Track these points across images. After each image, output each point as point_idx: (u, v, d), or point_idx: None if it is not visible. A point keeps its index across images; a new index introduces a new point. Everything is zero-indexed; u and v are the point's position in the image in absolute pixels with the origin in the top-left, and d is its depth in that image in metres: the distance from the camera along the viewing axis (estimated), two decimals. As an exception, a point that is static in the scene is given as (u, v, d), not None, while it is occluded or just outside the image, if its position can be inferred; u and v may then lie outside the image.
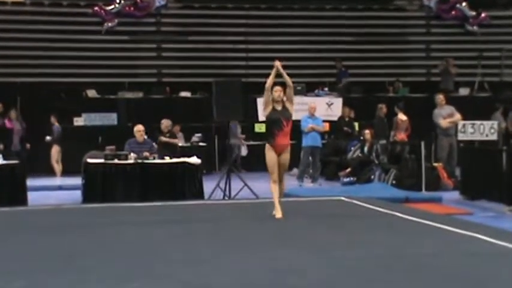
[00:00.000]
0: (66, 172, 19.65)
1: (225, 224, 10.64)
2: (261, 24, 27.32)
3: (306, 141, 17.71)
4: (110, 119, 23.06)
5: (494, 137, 16.43)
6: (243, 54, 26.95)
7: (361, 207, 12.35)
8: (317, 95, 23.63)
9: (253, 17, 27.42)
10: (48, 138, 20.08)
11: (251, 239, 9.29)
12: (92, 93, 23.91)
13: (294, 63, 26.13)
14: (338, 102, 23.25)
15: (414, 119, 19.00)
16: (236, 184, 14.76)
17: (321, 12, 27.82)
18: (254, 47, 26.96)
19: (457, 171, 17.05)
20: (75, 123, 22.69)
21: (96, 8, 26.20)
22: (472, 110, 19.52)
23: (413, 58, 28.38)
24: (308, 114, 18.04)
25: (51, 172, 20.14)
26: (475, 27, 28.20)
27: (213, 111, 15.00)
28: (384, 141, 18.82)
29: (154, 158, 14.32)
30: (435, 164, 17.41)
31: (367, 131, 19.31)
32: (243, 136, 22.73)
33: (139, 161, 14.07)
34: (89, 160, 14.30)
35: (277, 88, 11.07)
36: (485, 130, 16.20)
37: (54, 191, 17.13)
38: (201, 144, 22.03)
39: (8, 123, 20.49)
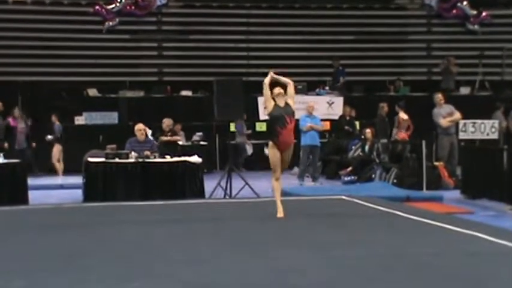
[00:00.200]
0: (67, 171, 19.65)
1: (225, 224, 10.63)
2: (262, 23, 27.34)
3: (305, 140, 17.69)
4: (111, 118, 23.07)
5: (495, 136, 16.43)
6: (244, 53, 26.96)
7: (362, 206, 12.33)
8: (318, 94, 23.64)
9: (254, 16, 27.44)
10: (49, 137, 20.09)
11: (252, 238, 9.28)
12: (92, 92, 23.92)
13: (295, 62, 26.20)
14: (339, 101, 23.25)
15: (415, 118, 19.02)
16: (237, 183, 14.75)
17: (322, 11, 27.84)
18: (255, 45, 26.98)
19: (458, 170, 17.05)
20: (76, 122, 22.72)
21: (97, 7, 26.24)
22: (473, 109, 19.52)
23: (414, 57, 28.40)
24: (306, 113, 18.01)
25: (52, 171, 20.14)
26: (476, 26, 28.21)
27: (214, 110, 14.98)
28: (384, 140, 18.82)
29: (155, 157, 14.31)
30: (436, 163, 17.40)
31: (368, 130, 19.31)
32: (249, 131, 22.73)
33: (140, 160, 14.06)
34: (90, 159, 14.30)
35: (278, 88, 11.00)
36: (486, 129, 16.19)
37: (55, 190, 17.14)
38: (202, 143, 22.03)
39: (12, 122, 20.50)
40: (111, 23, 26.33)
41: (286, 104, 10.86)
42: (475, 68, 26.15)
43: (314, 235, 9.44)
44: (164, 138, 17.28)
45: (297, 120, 17.56)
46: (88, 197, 13.79)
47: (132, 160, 14.05)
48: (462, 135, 16.43)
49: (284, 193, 12.63)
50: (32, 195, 14.30)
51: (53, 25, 25.75)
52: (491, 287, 6.54)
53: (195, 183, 14.17)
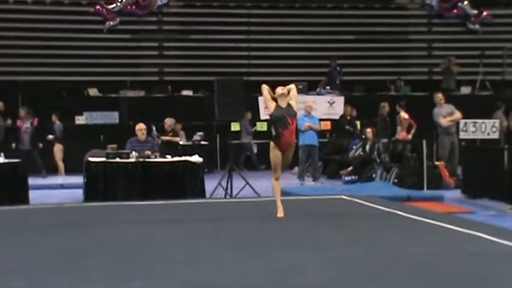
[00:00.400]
0: (67, 171, 19.65)
1: (226, 223, 10.62)
2: (263, 22, 27.35)
3: (303, 140, 17.65)
4: (112, 117, 23.07)
5: (495, 136, 16.43)
6: (245, 53, 26.97)
7: (362, 206, 12.33)
8: (319, 94, 23.63)
9: (254, 16, 27.45)
10: (50, 137, 20.09)
11: (252, 238, 9.28)
12: (93, 91, 23.93)
13: (295, 62, 26.22)
14: (340, 100, 23.24)
15: (416, 118, 19.00)
16: (238, 183, 14.75)
17: (322, 11, 27.85)
18: (256, 45, 26.99)
19: (459, 170, 17.05)
20: (77, 122, 22.72)
21: (97, 7, 26.25)
22: (473, 108, 19.52)
23: (414, 57, 28.41)
24: (304, 113, 17.98)
25: (53, 171, 20.14)
26: (476, 26, 28.21)
27: (215, 109, 14.98)
28: (385, 140, 18.82)
29: (156, 157, 14.31)
30: (437, 163, 17.40)
31: (368, 130, 19.31)
32: (253, 129, 22.78)
33: (141, 159, 14.06)
34: (91, 159, 14.29)
35: (280, 87, 10.93)
36: (487, 129, 16.19)
37: (55, 190, 17.15)
38: (202, 142, 22.04)
39: (19, 122, 20.55)
40: (111, 23, 26.34)
41: (289, 104, 10.81)
42: (475, 67, 26.15)
43: (314, 235, 9.44)
44: (164, 138, 17.28)
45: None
46: (89, 196, 13.78)
47: (132, 160, 14.04)
48: (463, 135, 16.43)
49: (284, 193, 12.64)
50: (32, 195, 14.30)
51: (54, 25, 25.76)
52: (492, 287, 6.54)
53: (196, 183, 14.17)
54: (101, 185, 13.85)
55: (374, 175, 17.74)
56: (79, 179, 14.94)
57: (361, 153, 19.39)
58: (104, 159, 14.11)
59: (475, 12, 28.17)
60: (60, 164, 20.04)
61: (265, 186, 15.77)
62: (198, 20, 27.16)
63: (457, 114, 17.40)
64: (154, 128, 18.50)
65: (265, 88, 11.02)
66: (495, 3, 28.52)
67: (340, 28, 27.53)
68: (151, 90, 24.42)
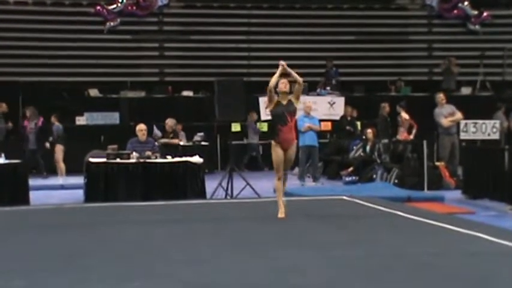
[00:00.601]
0: (68, 171, 19.64)
1: (226, 224, 10.62)
2: (263, 23, 27.37)
3: (303, 141, 17.63)
4: (112, 118, 23.08)
5: (496, 136, 16.42)
6: (245, 54, 26.98)
7: (363, 207, 12.33)
8: (319, 94, 23.64)
9: (255, 16, 27.46)
10: (50, 139, 20.09)
11: (252, 238, 9.28)
12: (94, 92, 23.94)
13: (296, 62, 26.02)
14: (340, 101, 23.25)
15: (416, 118, 19.01)
16: (238, 183, 14.75)
17: (322, 12, 27.86)
18: (256, 46, 27.00)
19: (459, 171, 17.05)
20: (77, 123, 22.74)
21: (98, 8, 26.26)
22: (474, 109, 19.54)
23: (415, 57, 28.41)
24: (304, 114, 17.96)
25: (53, 171, 20.15)
26: (477, 27, 28.22)
27: (215, 110, 14.97)
28: (386, 141, 18.82)
29: (156, 158, 14.30)
30: (437, 163, 17.40)
31: (369, 130, 19.31)
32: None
33: (142, 160, 14.06)
34: (91, 159, 14.29)
35: (284, 81, 10.83)
36: (487, 129, 16.18)
37: (56, 190, 17.15)
38: (203, 143, 22.04)
39: (25, 122, 20.60)
40: (112, 24, 26.35)
41: (289, 101, 10.78)
42: (476, 68, 26.17)
43: (315, 235, 9.44)
44: (162, 140, 17.26)
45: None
46: (89, 197, 13.78)
47: (133, 160, 14.04)
48: (463, 136, 16.42)
49: (285, 193, 12.61)
50: (33, 195, 14.30)
51: (54, 25, 25.77)
52: (492, 287, 6.54)
53: (196, 183, 14.17)
54: (102, 185, 13.84)
55: (374, 176, 17.74)
56: (79, 180, 14.94)
57: (362, 153, 19.39)
58: (104, 159, 14.11)
59: (476, 12, 28.17)
60: (61, 165, 20.04)
61: (266, 186, 15.78)
62: (199, 20, 27.17)
63: (458, 115, 17.40)
64: (156, 129, 18.53)
65: (281, 68, 10.84)
66: (495, 3, 28.53)
67: (340, 29, 27.54)
68: (152, 90, 24.44)
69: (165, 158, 14.47)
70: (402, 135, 18.71)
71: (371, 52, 27.31)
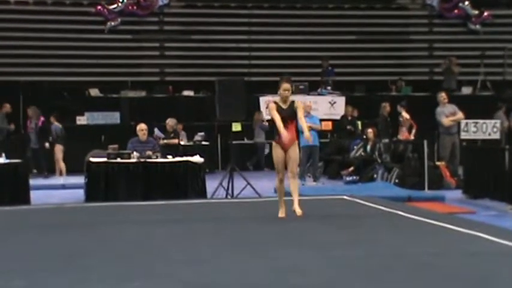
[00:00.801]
0: (69, 171, 19.66)
1: (226, 223, 10.62)
2: (264, 23, 27.38)
3: (304, 141, 17.60)
4: (113, 118, 23.10)
5: (496, 136, 16.41)
6: (246, 53, 27.00)
7: (363, 206, 12.33)
8: (320, 94, 23.64)
9: (255, 16, 27.48)
10: (50, 139, 20.10)
11: (252, 238, 9.27)
12: (94, 92, 23.96)
13: (296, 62, 26.22)
14: (341, 101, 23.26)
15: (417, 118, 19.01)
16: (239, 183, 14.75)
17: (323, 11, 27.87)
18: (257, 45, 27.02)
19: (460, 170, 17.04)
20: (78, 122, 22.76)
21: (99, 7, 26.28)
22: (474, 108, 19.52)
23: (415, 57, 28.43)
24: (304, 113, 17.89)
25: (53, 171, 20.18)
26: (477, 26, 28.23)
27: (216, 110, 14.96)
28: (386, 140, 18.82)
29: (157, 157, 14.31)
30: (438, 163, 17.40)
31: (370, 130, 19.31)
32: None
33: (142, 160, 14.07)
34: (92, 159, 14.30)
35: (287, 87, 10.72)
36: (488, 129, 16.18)
37: (57, 190, 17.16)
38: (203, 143, 22.05)
39: (28, 122, 20.63)
40: (113, 23, 26.37)
41: (289, 106, 10.69)
42: (476, 68, 26.18)
43: (315, 235, 9.44)
44: (162, 142, 17.25)
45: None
46: (90, 197, 13.79)
47: (134, 160, 14.05)
48: (464, 135, 16.42)
49: (285, 193, 12.60)
50: (33, 195, 14.31)
51: (55, 25, 25.79)
52: (492, 287, 6.53)
53: (197, 183, 14.17)
54: (102, 185, 13.85)
55: (375, 175, 17.74)
56: (80, 179, 14.93)
57: (362, 153, 19.39)
58: (105, 159, 14.11)
59: (476, 12, 28.18)
60: (61, 164, 20.06)
61: (267, 186, 15.78)
62: (199, 20, 27.18)
63: (460, 115, 17.39)
64: (157, 131, 18.53)
65: (273, 108, 10.82)
66: (496, 3, 28.53)
67: (341, 28, 27.55)
68: (153, 90, 24.45)
69: (166, 157, 14.47)
70: (403, 134, 18.71)
71: (372, 52, 27.32)
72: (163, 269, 7.26)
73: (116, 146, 14.88)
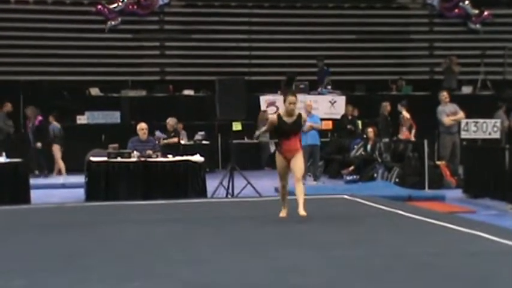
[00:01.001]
0: (69, 170, 19.66)
1: (226, 223, 10.62)
2: (264, 22, 27.36)
3: (305, 140, 17.55)
4: (113, 117, 23.09)
5: (497, 135, 16.41)
6: (246, 53, 26.98)
7: (364, 206, 12.33)
8: (320, 93, 23.62)
9: (256, 15, 27.47)
10: (39, 144, 20.05)
11: (252, 238, 9.27)
12: (95, 91, 23.95)
13: (297, 62, 26.20)
14: (341, 100, 23.24)
15: (417, 117, 19.00)
16: (239, 182, 14.74)
17: (323, 11, 27.86)
18: (257, 45, 27.01)
19: (460, 170, 17.04)
20: (78, 122, 22.75)
21: (99, 7, 26.26)
22: (474, 108, 19.51)
23: (416, 56, 28.41)
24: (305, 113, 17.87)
25: (51, 171, 20.17)
26: (478, 26, 28.22)
27: (216, 109, 14.96)
28: (387, 140, 18.82)
29: (157, 156, 14.31)
30: (438, 162, 17.40)
31: (370, 129, 19.30)
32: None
33: (143, 159, 14.06)
34: (92, 158, 14.29)
35: (293, 100, 10.51)
36: (488, 128, 16.18)
37: (57, 189, 17.15)
38: (204, 142, 22.04)
39: (27, 121, 20.63)
40: (113, 23, 26.36)
41: (295, 121, 10.53)
42: (477, 67, 26.16)
43: (315, 235, 9.43)
44: (162, 142, 17.23)
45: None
46: (90, 196, 13.78)
47: (134, 159, 14.05)
48: (464, 135, 16.42)
49: (289, 192, 12.60)
50: (34, 194, 14.29)
51: (55, 24, 25.78)
52: (492, 287, 6.53)
53: (197, 182, 14.16)
54: (103, 184, 13.85)
55: (375, 175, 17.73)
56: (80, 179, 14.92)
57: (363, 152, 19.38)
58: (105, 158, 14.10)
59: (476, 12, 28.17)
60: (60, 164, 20.05)
61: (267, 185, 15.78)
62: (200, 19, 27.17)
63: (461, 114, 17.37)
64: (158, 132, 18.51)
65: (270, 122, 10.77)
66: (496, 3, 28.52)
67: (341, 28, 27.54)
68: (153, 89, 24.44)
69: (166, 157, 14.47)
70: (404, 134, 18.70)
71: (372, 51, 27.31)
72: (163, 269, 7.26)
73: (116, 145, 14.88)
